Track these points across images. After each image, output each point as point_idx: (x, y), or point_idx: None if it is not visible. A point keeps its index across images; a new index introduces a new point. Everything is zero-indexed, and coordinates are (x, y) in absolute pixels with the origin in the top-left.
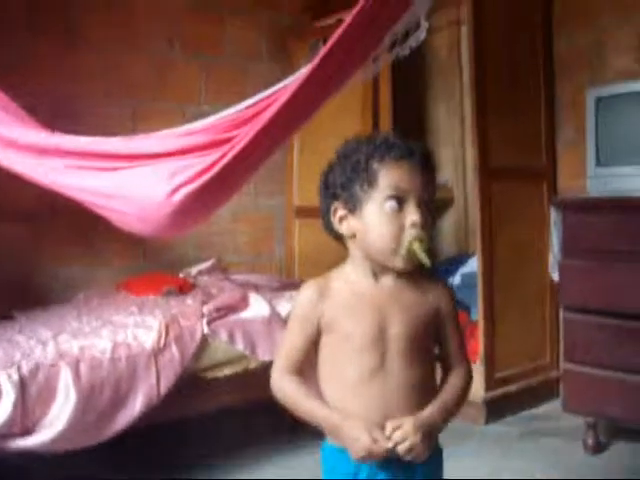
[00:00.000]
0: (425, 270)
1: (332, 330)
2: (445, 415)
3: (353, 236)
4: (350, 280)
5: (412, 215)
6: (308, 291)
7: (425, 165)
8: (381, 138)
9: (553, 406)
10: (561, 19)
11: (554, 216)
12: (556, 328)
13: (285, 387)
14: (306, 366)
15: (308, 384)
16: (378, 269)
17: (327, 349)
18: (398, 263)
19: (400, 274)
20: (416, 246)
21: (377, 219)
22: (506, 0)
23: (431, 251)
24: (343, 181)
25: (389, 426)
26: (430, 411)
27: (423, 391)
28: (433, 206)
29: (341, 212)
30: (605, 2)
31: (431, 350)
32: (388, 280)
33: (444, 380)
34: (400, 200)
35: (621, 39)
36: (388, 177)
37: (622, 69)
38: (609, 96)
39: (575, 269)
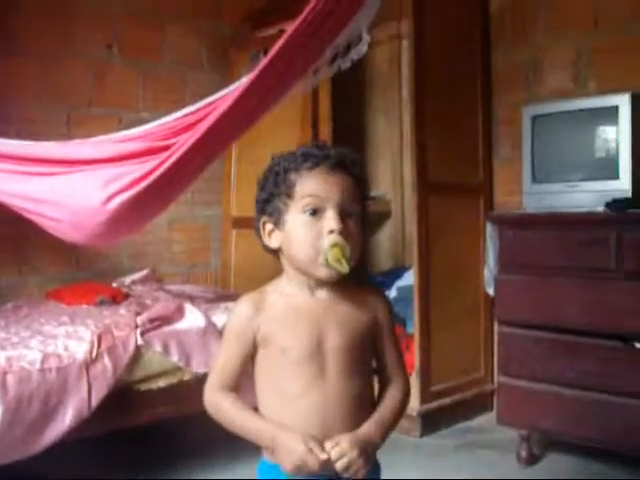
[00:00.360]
0: (361, 280)
1: (268, 344)
2: (383, 431)
3: (280, 249)
4: (286, 293)
5: (329, 222)
6: (244, 305)
7: (346, 171)
8: (301, 149)
9: (487, 419)
10: (498, 35)
11: (490, 231)
12: (491, 342)
13: (219, 403)
14: (241, 381)
15: (244, 398)
16: (312, 282)
17: (264, 363)
18: (320, 272)
19: (335, 286)
20: (333, 252)
21: (296, 229)
22: (446, 16)
23: (351, 258)
24: (267, 196)
25: (327, 444)
26: (368, 427)
27: (362, 404)
28: (360, 213)
29: (269, 226)
30: (541, 19)
31: (369, 362)
32: (324, 293)
33: (382, 394)
34: (317, 209)
35: (557, 56)
36: (304, 186)
37: (557, 87)
38: (545, 114)
39: (510, 283)
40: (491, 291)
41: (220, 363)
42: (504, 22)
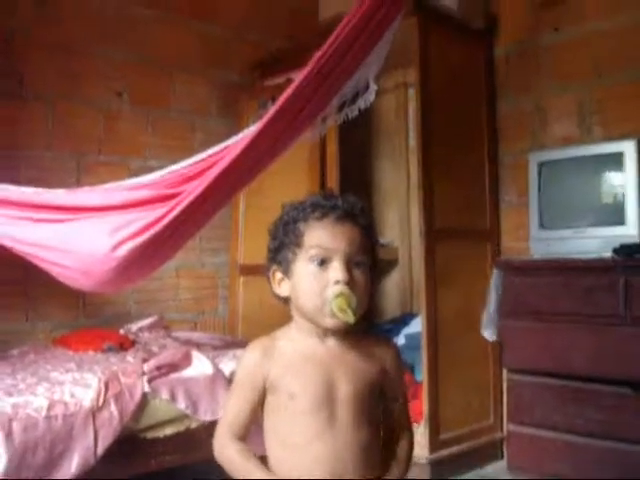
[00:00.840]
0: (369, 329)
1: (278, 390)
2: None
3: (289, 298)
4: (295, 340)
5: (335, 272)
6: (254, 351)
7: (354, 221)
8: (311, 199)
9: (498, 467)
10: (504, 84)
11: (494, 276)
12: (500, 389)
13: (228, 453)
14: (250, 429)
15: (252, 447)
16: (321, 330)
17: (273, 410)
18: (326, 322)
19: (345, 335)
20: (338, 302)
21: (304, 278)
22: (451, 64)
23: (357, 308)
24: (277, 245)
25: None
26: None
27: (370, 453)
28: (368, 262)
29: (279, 275)
30: (545, 68)
31: (377, 412)
32: (333, 341)
33: (392, 445)
34: (324, 259)
35: (561, 104)
36: (311, 237)
37: (563, 134)
38: (551, 160)
39: (518, 330)
40: (488, 335)
41: (229, 410)
42: (508, 70)
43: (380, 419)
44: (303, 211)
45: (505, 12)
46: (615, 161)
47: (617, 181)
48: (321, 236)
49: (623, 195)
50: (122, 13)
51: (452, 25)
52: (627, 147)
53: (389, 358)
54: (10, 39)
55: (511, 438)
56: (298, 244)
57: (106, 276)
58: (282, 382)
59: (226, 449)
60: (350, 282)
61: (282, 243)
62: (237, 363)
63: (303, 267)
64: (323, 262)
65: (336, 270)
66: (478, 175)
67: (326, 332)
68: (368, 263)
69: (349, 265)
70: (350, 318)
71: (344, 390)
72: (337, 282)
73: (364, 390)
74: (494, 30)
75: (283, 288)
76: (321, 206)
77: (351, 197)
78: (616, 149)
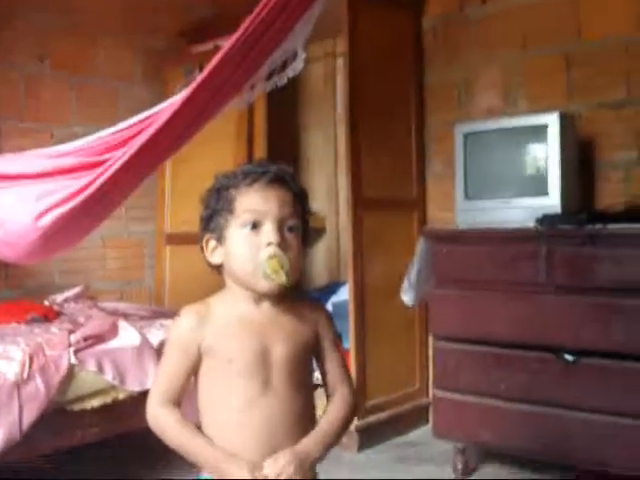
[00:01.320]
0: (302, 294)
1: (213, 355)
2: (324, 445)
3: (223, 265)
4: (230, 305)
5: (267, 235)
6: (188, 316)
7: (285, 186)
8: (242, 167)
9: (424, 432)
10: (431, 56)
11: (420, 244)
12: (426, 355)
13: (163, 419)
14: (184, 394)
15: (185, 415)
16: (256, 295)
17: (208, 376)
18: (260, 285)
19: (279, 299)
20: (271, 264)
21: (236, 243)
22: (380, 34)
23: (290, 270)
24: (210, 213)
25: (266, 463)
26: (307, 442)
27: (305, 417)
28: (300, 227)
29: (212, 243)
30: (472, 42)
31: (311, 376)
32: (268, 305)
33: (326, 407)
34: (256, 223)
35: (488, 76)
36: (242, 202)
37: (489, 106)
38: (476, 132)
39: (444, 298)
40: (406, 299)
41: (163, 377)
42: (436, 42)
43: (313, 385)
44: (234, 178)
45: None
46: (539, 133)
47: (541, 153)
48: (252, 200)
49: (546, 167)
50: None
51: None
52: (551, 120)
53: (322, 321)
54: None
55: (436, 404)
56: (230, 210)
57: (30, 247)
58: (218, 347)
59: (161, 416)
60: (282, 244)
61: (214, 211)
62: (167, 331)
63: (236, 232)
64: (255, 226)
65: (268, 232)
66: (405, 145)
67: (261, 297)
68: (300, 228)
69: (281, 228)
70: (283, 279)
71: (279, 353)
72: (269, 244)
73: (299, 353)
74: (423, 1)
75: (217, 256)
76: (252, 172)
77: (282, 165)
78: (540, 121)
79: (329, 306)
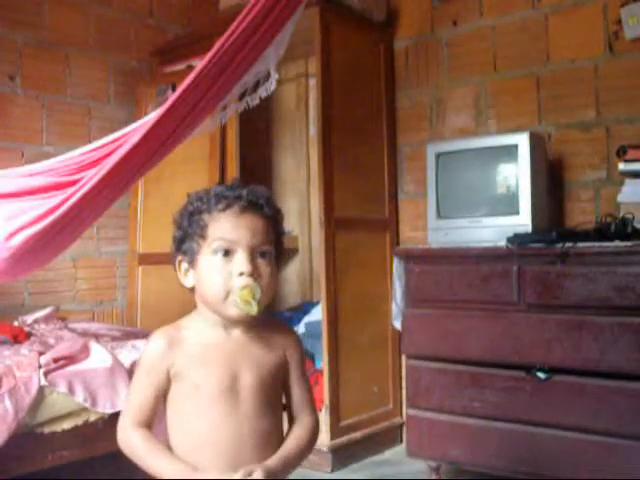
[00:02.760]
0: (271, 317)
1: (182, 379)
2: (286, 467)
3: (194, 288)
4: (200, 330)
5: (239, 264)
6: (158, 340)
7: (258, 212)
8: (215, 189)
9: (398, 451)
10: (403, 76)
11: (396, 265)
12: (399, 375)
13: (133, 441)
14: (154, 417)
15: (156, 436)
16: (226, 321)
17: (177, 399)
18: (230, 312)
19: (249, 325)
20: (243, 294)
21: (208, 270)
22: (352, 56)
23: (261, 299)
24: (182, 235)
25: (241, 473)
26: (274, 460)
27: (272, 441)
28: (273, 251)
29: (184, 265)
30: (443, 63)
31: (280, 400)
32: (237, 332)
33: (288, 431)
34: (228, 251)
35: (458, 97)
36: (215, 229)
37: (460, 126)
38: (448, 152)
39: (416, 317)
40: (398, 325)
41: (133, 399)
42: (408, 63)
43: (282, 408)
44: (207, 202)
45: (405, 6)
46: (509, 153)
47: (511, 172)
48: (224, 228)
49: (517, 186)
50: None
51: (353, 17)
52: (521, 140)
53: (290, 346)
54: None
55: (410, 423)
56: (202, 236)
57: (0, 266)
58: (186, 372)
59: (131, 437)
60: (254, 273)
61: (186, 234)
62: (138, 353)
63: (207, 259)
64: (227, 253)
65: (240, 262)
66: (377, 165)
67: (231, 322)
68: (273, 253)
69: (253, 255)
70: (254, 310)
71: (247, 380)
72: (241, 274)
73: (267, 380)
74: (394, 23)
75: (189, 278)
76: (225, 197)
77: (257, 187)
78: (510, 141)
79: (302, 326)
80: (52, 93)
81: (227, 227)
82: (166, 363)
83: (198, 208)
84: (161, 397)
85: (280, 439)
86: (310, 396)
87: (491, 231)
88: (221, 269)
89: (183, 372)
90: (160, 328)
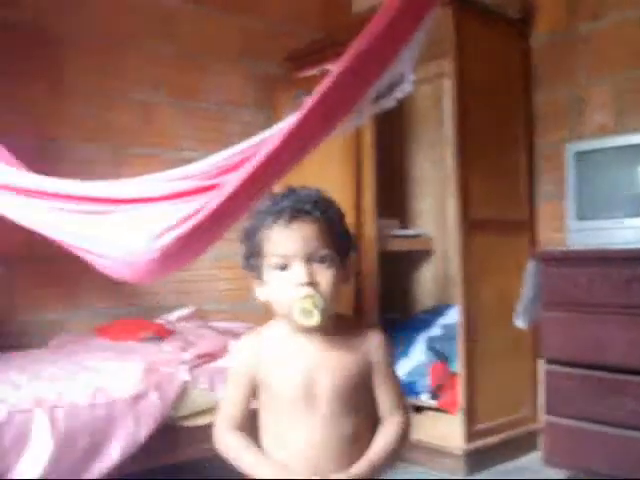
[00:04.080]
0: (356, 321)
1: (264, 386)
2: (373, 471)
3: (268, 302)
4: (280, 337)
5: (296, 276)
6: (242, 349)
7: (308, 217)
8: (261, 206)
9: (534, 458)
10: (540, 74)
11: (530, 266)
12: (535, 380)
13: (227, 442)
14: (247, 420)
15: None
16: (306, 328)
17: (261, 405)
18: (300, 322)
19: (330, 330)
20: (303, 305)
21: (271, 284)
22: (487, 54)
23: (324, 306)
24: (246, 253)
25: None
26: (358, 468)
27: (358, 444)
28: (332, 253)
29: (255, 282)
30: (582, 59)
31: (366, 403)
32: (317, 336)
33: (377, 432)
34: (284, 265)
35: (598, 95)
36: (268, 245)
37: (599, 124)
38: (588, 151)
39: (556, 321)
40: (520, 323)
41: (225, 404)
42: (545, 59)
43: (372, 410)
44: (259, 220)
45: (542, 0)
46: None
47: None
48: (276, 243)
49: None
50: (158, 6)
51: (488, 15)
52: None
53: (374, 348)
54: (51, 36)
55: (547, 430)
56: (259, 253)
57: (146, 267)
58: (267, 379)
59: (225, 439)
60: (313, 281)
61: (249, 251)
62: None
63: (269, 274)
64: (284, 267)
65: (297, 273)
66: (514, 165)
67: (311, 329)
68: (334, 255)
69: (310, 263)
70: (315, 319)
71: (326, 385)
72: (300, 284)
73: (346, 384)
74: (530, 19)
75: (260, 292)
76: (270, 212)
77: (304, 191)
78: None
79: (438, 328)
80: (192, 100)
81: (278, 242)
82: (251, 370)
83: (252, 226)
84: (249, 402)
85: (368, 441)
86: (399, 397)
87: (634, 232)
88: (282, 282)
89: (265, 379)
90: (244, 338)
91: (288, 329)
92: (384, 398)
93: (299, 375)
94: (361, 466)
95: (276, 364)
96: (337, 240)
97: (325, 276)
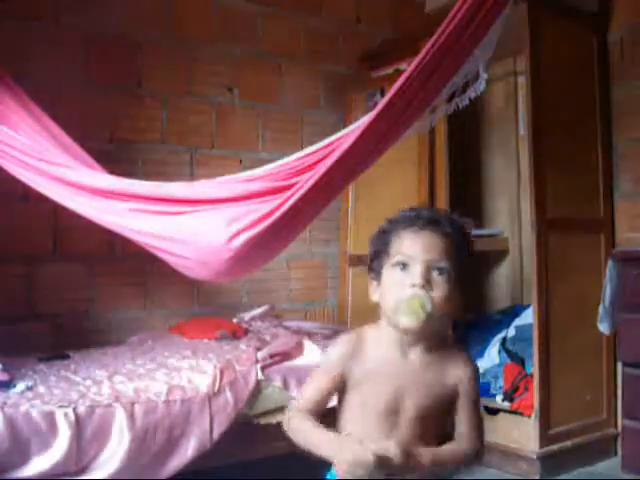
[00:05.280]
0: (454, 346)
1: (353, 390)
2: (433, 460)
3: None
4: (379, 345)
5: (412, 276)
6: (342, 347)
7: (437, 229)
8: (402, 212)
9: (611, 464)
10: (618, 70)
11: (609, 268)
12: (613, 383)
13: (295, 422)
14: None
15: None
16: (405, 340)
17: (345, 406)
18: (400, 321)
19: (427, 349)
20: (411, 303)
21: (387, 281)
22: (563, 49)
23: (431, 310)
24: (372, 254)
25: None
26: (421, 449)
27: None
28: (450, 268)
29: (373, 283)
30: None
31: (444, 426)
32: (413, 354)
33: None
34: (405, 264)
35: None
36: (396, 245)
37: None
38: None
39: (634, 323)
40: (602, 328)
41: (306, 389)
42: (623, 54)
43: (447, 434)
44: (395, 223)
45: None
46: None
47: None
48: (404, 244)
49: None
50: (232, 10)
51: (563, 10)
52: None
53: (464, 379)
54: (130, 43)
55: (626, 435)
56: (387, 252)
57: (222, 266)
58: (358, 385)
59: (294, 419)
60: (427, 286)
61: (376, 252)
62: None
63: (389, 272)
64: (405, 267)
65: (414, 274)
66: (591, 164)
67: (410, 342)
68: (451, 271)
69: (428, 270)
70: (417, 321)
71: (411, 404)
72: (413, 285)
73: (429, 409)
74: (607, 12)
75: (375, 294)
76: (407, 217)
77: (442, 209)
78: None
79: (512, 329)
80: (266, 102)
81: (406, 243)
82: (343, 369)
83: (386, 228)
84: (331, 395)
85: None
86: (478, 434)
87: None
88: (398, 281)
89: (356, 384)
90: (347, 334)
91: (387, 337)
92: (463, 427)
93: (390, 389)
94: (424, 450)
95: (369, 372)
96: (459, 263)
97: (440, 286)
